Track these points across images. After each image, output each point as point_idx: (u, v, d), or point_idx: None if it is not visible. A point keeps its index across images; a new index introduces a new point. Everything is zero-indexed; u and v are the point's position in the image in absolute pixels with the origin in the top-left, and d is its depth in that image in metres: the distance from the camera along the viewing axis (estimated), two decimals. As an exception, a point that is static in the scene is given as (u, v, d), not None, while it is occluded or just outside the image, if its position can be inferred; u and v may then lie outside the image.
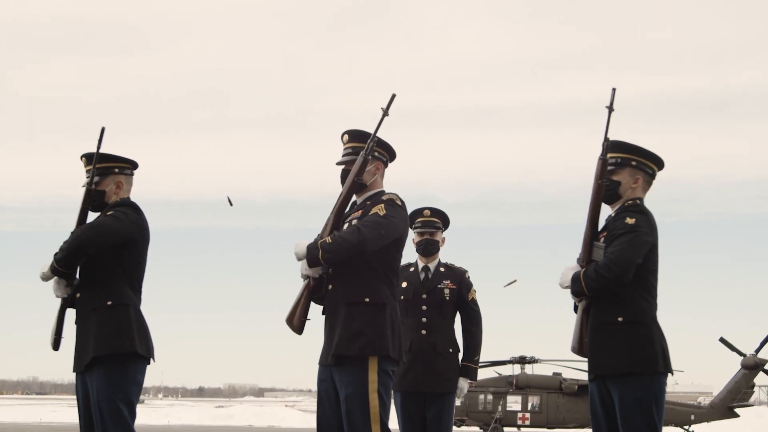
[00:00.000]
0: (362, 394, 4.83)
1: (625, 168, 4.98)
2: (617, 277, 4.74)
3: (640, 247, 4.80)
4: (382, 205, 5.02)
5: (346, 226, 5.08)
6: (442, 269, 6.79)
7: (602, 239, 4.90)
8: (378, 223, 4.93)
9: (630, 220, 4.83)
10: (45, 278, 5.26)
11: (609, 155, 4.94)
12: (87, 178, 5.38)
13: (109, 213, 5.28)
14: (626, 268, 4.74)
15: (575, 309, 5.01)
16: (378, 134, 5.11)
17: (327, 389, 4.96)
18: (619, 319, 4.81)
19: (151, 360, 5.31)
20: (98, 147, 5.32)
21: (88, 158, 5.39)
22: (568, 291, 4.92)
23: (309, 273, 5.05)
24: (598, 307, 4.88)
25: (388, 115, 5.05)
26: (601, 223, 5.01)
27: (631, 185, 4.98)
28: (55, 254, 5.18)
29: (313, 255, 4.93)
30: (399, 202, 5.08)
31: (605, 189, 4.94)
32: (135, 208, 5.35)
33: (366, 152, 5.08)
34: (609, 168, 4.94)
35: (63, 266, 5.18)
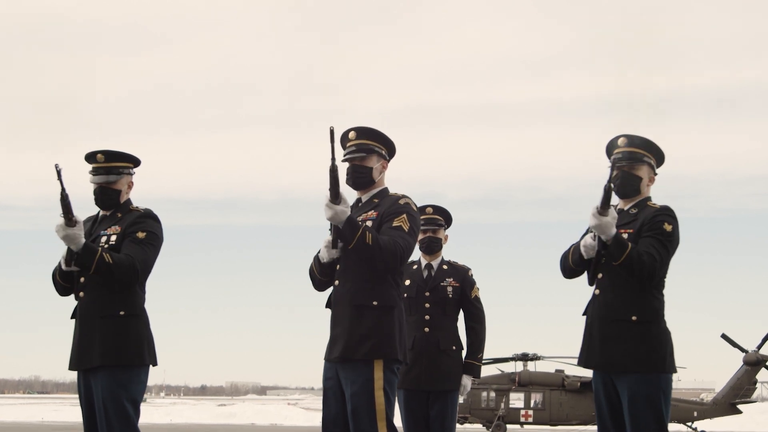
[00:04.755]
0: (368, 392, 4.83)
1: (644, 165, 5.06)
2: (650, 275, 4.80)
3: (671, 257, 4.91)
4: (405, 216, 4.95)
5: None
6: (445, 267, 6.79)
7: (626, 234, 4.90)
8: (409, 243, 4.89)
9: (668, 227, 4.90)
10: (65, 238, 5.00)
11: (632, 149, 5.01)
12: (94, 174, 5.29)
13: (141, 233, 5.19)
14: (660, 273, 4.86)
15: (584, 312, 5.02)
16: (381, 132, 5.11)
17: (333, 387, 4.95)
18: (633, 318, 4.85)
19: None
20: (62, 185, 4.98)
21: (108, 156, 5.30)
22: (587, 244, 4.88)
23: (326, 256, 4.95)
24: (611, 303, 4.90)
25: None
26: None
27: (647, 182, 5.08)
28: (100, 260, 5.01)
29: (353, 231, 4.75)
30: (415, 209, 5.06)
31: (627, 183, 5.02)
32: (159, 222, 5.32)
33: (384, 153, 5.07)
34: (630, 163, 5.02)
35: (90, 271, 5.05)
